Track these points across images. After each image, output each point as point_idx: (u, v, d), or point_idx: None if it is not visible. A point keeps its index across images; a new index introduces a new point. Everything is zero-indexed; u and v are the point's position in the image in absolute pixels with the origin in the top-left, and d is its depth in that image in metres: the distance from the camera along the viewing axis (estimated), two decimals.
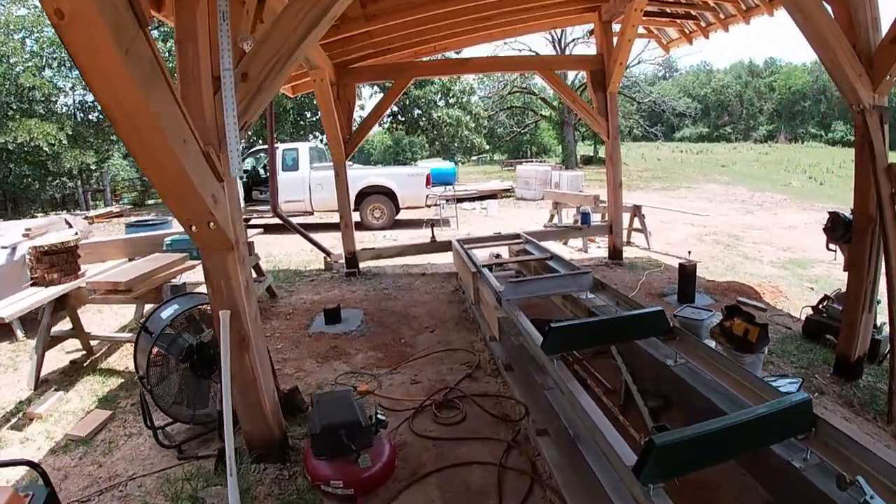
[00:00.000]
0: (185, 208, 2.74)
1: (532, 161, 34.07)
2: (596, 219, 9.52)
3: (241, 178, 14.29)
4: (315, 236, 12.21)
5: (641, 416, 3.50)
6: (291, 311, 6.85)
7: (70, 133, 21.78)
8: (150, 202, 26.25)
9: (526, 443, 3.59)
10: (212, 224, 2.80)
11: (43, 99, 21.07)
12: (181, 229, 7.87)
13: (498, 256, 8.30)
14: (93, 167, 24.18)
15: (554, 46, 36.19)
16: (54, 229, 7.81)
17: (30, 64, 21.23)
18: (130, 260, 6.21)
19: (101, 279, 4.85)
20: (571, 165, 29.15)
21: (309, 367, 5.12)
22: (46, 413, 4.53)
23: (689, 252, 7.58)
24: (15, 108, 20.78)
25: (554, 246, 9.14)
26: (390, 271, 8.73)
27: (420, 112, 24.89)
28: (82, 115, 23.92)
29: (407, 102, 24.59)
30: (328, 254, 9.05)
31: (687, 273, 6.50)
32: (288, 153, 14.17)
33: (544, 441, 3.40)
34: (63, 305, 5.26)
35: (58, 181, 24.21)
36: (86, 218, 17.26)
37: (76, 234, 8.16)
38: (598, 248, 9.98)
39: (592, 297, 5.04)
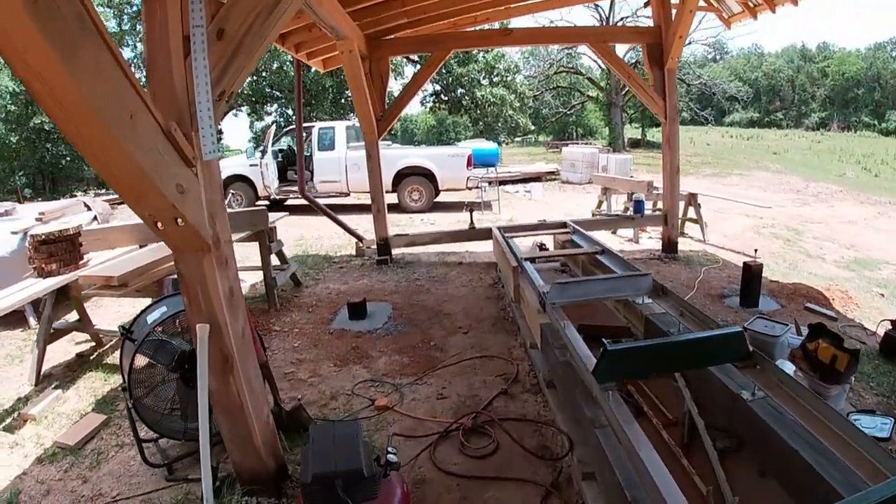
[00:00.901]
0: (140, 201, 2.18)
1: (578, 143, 33.04)
2: (648, 207, 8.77)
3: (277, 157, 13.99)
4: (351, 218, 11.77)
5: (708, 460, 2.85)
6: (315, 303, 6.33)
7: None
8: None
9: (568, 487, 2.96)
10: (179, 220, 2.23)
11: None
12: None
13: (542, 247, 7.63)
14: None
15: (601, 24, 34.88)
16: (71, 213, 7.47)
17: None
18: (142, 247, 5.77)
19: (94, 272, 4.37)
20: (619, 148, 28.03)
21: (325, 371, 4.58)
22: (41, 414, 4.19)
23: (756, 251, 6.81)
24: None
25: (603, 236, 8.44)
26: (425, 259, 8.14)
27: (463, 91, 24.10)
28: None
29: (450, 81, 23.85)
30: (360, 239, 8.51)
31: (752, 274, 5.80)
32: (324, 132, 13.67)
33: (590, 488, 2.77)
34: (66, 297, 4.86)
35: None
36: (108, 200, 17.26)
37: (94, 217, 7.82)
38: (650, 239, 9.23)
39: (650, 301, 4.38)
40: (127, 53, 26.91)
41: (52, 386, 4.61)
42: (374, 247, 7.97)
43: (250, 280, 7.22)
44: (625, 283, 4.42)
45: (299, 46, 7.13)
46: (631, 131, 40.41)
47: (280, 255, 6.67)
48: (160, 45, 2.21)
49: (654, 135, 40.10)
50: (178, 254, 2.51)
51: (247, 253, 6.74)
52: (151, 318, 3.36)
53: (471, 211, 8.02)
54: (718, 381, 3.17)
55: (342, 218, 12.24)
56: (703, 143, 37.67)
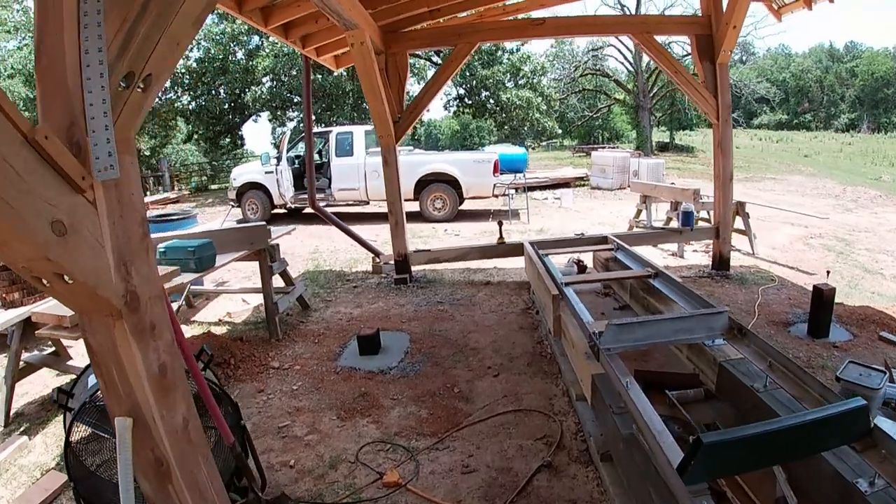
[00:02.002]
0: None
1: (605, 147, 32.02)
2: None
3: (293, 164, 13.33)
4: (370, 228, 11.06)
5: None
6: (323, 331, 5.55)
7: None
8: (214, 187, 25.83)
9: None
10: (67, 276, 1.44)
11: None
12: (206, 226, 6.71)
13: (580, 264, 6.79)
14: (146, 153, 23.79)
15: None
16: None
17: None
18: None
19: (46, 310, 3.62)
20: (647, 152, 26.99)
21: (327, 425, 3.77)
22: (1, 467, 3.57)
23: (828, 273, 5.93)
24: None
25: (644, 250, 7.57)
26: (448, 277, 7.32)
27: (488, 93, 23.22)
28: None
29: (474, 84, 23.02)
30: (377, 254, 7.73)
31: (824, 300, 4.94)
32: (342, 137, 12.96)
33: None
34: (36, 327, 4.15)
35: None
36: None
37: None
38: (695, 252, 8.35)
39: (722, 341, 3.52)
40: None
41: (21, 430, 3.99)
42: (392, 263, 7.16)
43: (254, 301, 6.50)
44: (697, 322, 3.54)
45: (306, 40, 6.37)
46: (658, 134, 39.24)
47: (284, 275, 5.91)
48: (52, 17, 1.42)
49: (682, 138, 39.34)
50: (81, 318, 1.72)
51: (253, 269, 6.02)
52: (94, 378, 2.61)
53: (500, 224, 7.18)
54: (826, 464, 2.33)
55: (361, 228, 11.52)
56: (733, 146, 36.48)
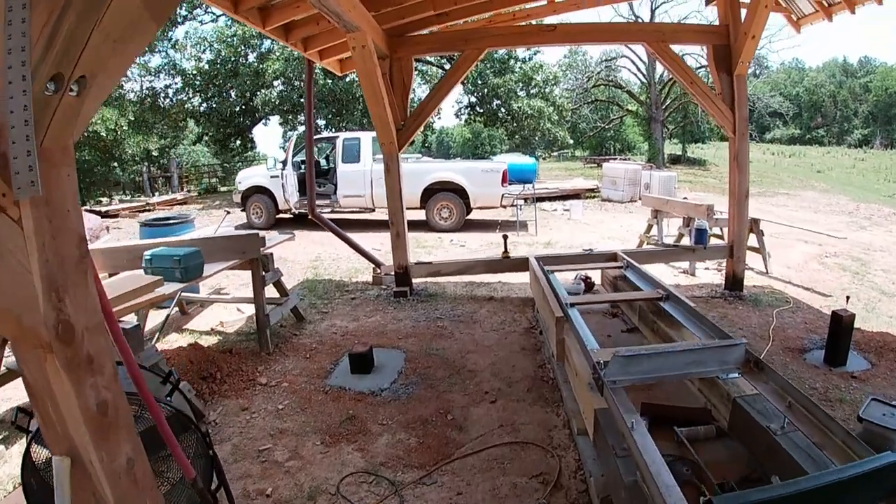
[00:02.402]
0: None
1: (616, 158, 31.73)
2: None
3: (299, 168, 13.17)
4: (375, 237, 10.84)
5: None
6: (315, 346, 5.30)
7: (133, 119, 21.24)
8: (223, 189, 25.75)
9: None
10: None
11: None
12: (197, 233, 6.50)
13: (587, 281, 6.53)
14: (154, 153, 23.70)
15: None
16: None
17: None
18: (112, 275, 4.82)
19: None
20: (659, 165, 26.69)
21: (310, 451, 3.53)
22: None
23: (848, 298, 5.65)
24: None
25: (657, 269, 7.33)
26: (450, 291, 7.07)
27: (499, 102, 22.97)
28: (150, 100, 23.45)
29: (485, 92, 22.79)
30: (377, 265, 7.49)
31: (843, 327, 4.65)
32: (349, 143, 12.76)
33: None
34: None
35: (118, 166, 23.96)
36: (129, 209, 16.61)
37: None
38: (707, 270, 8.07)
39: (736, 375, 3.26)
40: (157, 60, 26.71)
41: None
42: (392, 274, 6.92)
43: (249, 310, 6.27)
44: (711, 355, 3.26)
45: (308, 43, 6.16)
46: (669, 147, 38.93)
47: (278, 285, 5.68)
48: None
49: (694, 151, 39.13)
50: (12, 346, 1.50)
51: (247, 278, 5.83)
52: None
53: (505, 237, 6.92)
54: None
55: (366, 236, 11.34)
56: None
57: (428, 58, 22.34)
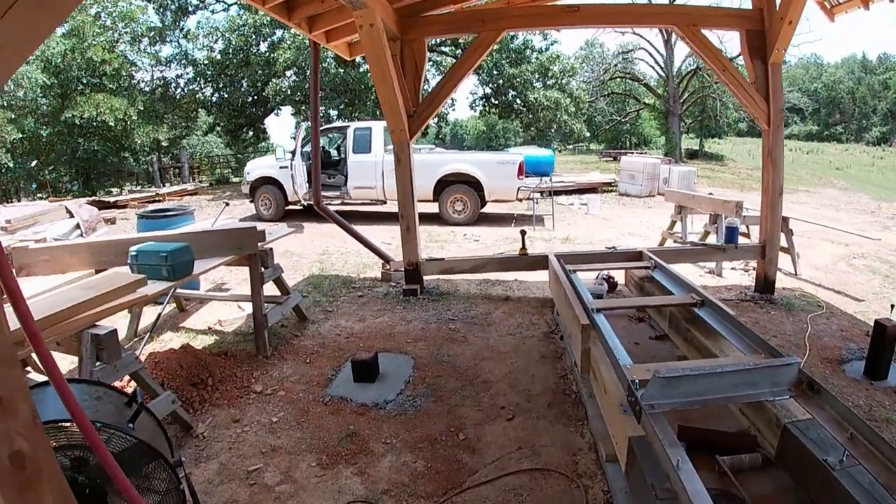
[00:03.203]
0: None
1: (633, 152, 31.19)
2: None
3: (307, 159, 12.80)
4: (386, 229, 10.43)
5: None
6: (317, 349, 4.91)
7: (142, 108, 20.98)
8: (236, 180, 25.49)
9: None
10: None
11: (114, 73, 20.25)
12: (193, 226, 6.13)
13: (610, 280, 6.10)
14: (164, 143, 23.48)
15: (660, 30, 32.90)
16: (47, 220, 6.30)
17: (101, 38, 20.43)
18: (98, 272, 4.45)
19: None
20: (676, 159, 26.10)
21: (303, 473, 3.13)
22: None
23: (893, 307, 5.20)
24: (85, 82, 20.13)
25: (682, 268, 6.89)
26: (463, 289, 6.65)
27: (515, 93, 22.42)
28: (162, 90, 23.18)
29: (501, 83, 22.25)
30: (386, 260, 7.09)
31: (886, 338, 4.25)
32: (360, 133, 12.35)
33: None
34: None
35: (130, 156, 23.80)
36: (140, 199, 16.26)
37: (77, 226, 6.65)
38: (733, 271, 7.63)
39: (786, 396, 2.82)
40: (168, 49, 26.42)
41: None
42: (402, 271, 6.51)
43: (249, 309, 5.88)
44: (761, 375, 2.83)
45: (313, 23, 5.74)
46: (686, 141, 38.32)
47: (279, 283, 5.29)
48: None
49: (711, 146, 38.61)
50: None
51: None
52: None
53: (523, 233, 6.48)
54: None
55: (376, 228, 10.94)
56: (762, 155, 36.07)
57: (443, 48, 21.90)
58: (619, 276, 6.24)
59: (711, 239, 7.84)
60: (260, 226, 4.90)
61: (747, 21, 5.89)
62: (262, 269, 4.83)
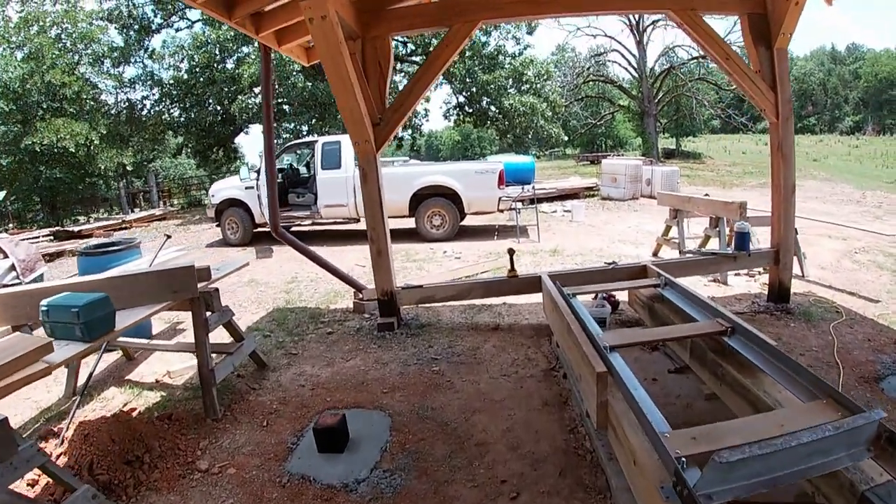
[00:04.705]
0: None
1: (610, 155, 30.79)
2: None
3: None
4: (360, 250, 9.68)
5: None
6: (276, 407, 4.11)
7: (105, 132, 20.00)
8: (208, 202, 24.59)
9: None
10: None
11: (74, 97, 19.27)
12: (121, 269, 5.32)
13: (611, 297, 5.42)
14: (129, 167, 22.49)
15: (632, 30, 32.70)
16: None
17: (61, 61, 19.44)
18: (16, 329, 3.64)
19: None
20: (655, 159, 25.71)
21: None
22: None
23: None
24: (45, 107, 19.13)
25: (686, 279, 6.24)
26: (446, 318, 5.88)
27: (489, 100, 21.75)
28: (127, 112, 22.21)
29: (475, 90, 21.58)
30: (359, 289, 6.31)
31: None
32: (328, 148, 11.56)
33: None
34: None
35: (94, 182, 22.81)
36: (61, 232, 15.23)
37: (11, 267, 5.81)
38: (737, 277, 7.02)
39: (865, 457, 2.20)
40: (133, 70, 25.47)
41: None
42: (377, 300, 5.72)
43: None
44: (837, 441, 2.13)
45: (260, 22, 4.96)
46: (661, 141, 38.23)
47: (230, 328, 4.50)
48: None
49: (687, 144, 38.80)
50: None
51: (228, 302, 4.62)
52: None
53: (511, 253, 5.72)
54: None
55: (350, 249, 10.18)
56: (739, 151, 38.13)
57: (414, 58, 21.20)
58: (621, 293, 5.55)
59: (713, 244, 7.21)
60: (206, 261, 4.13)
61: (749, 4, 5.30)
62: (206, 315, 4.05)
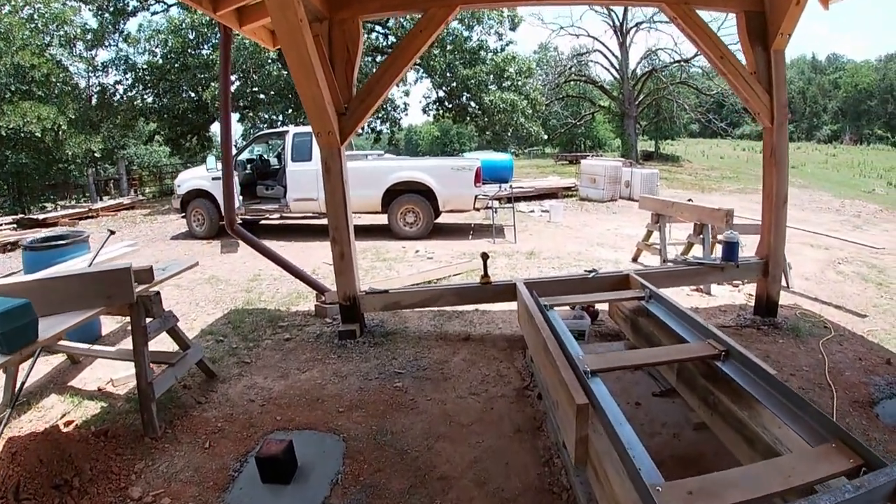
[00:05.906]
0: None
1: (589, 155, 30.63)
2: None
3: (244, 168, 11.78)
4: (328, 246, 9.19)
5: None
6: (221, 425, 3.70)
7: (73, 117, 19.21)
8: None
9: None
10: None
11: (43, 80, 18.45)
12: (92, 254, 4.88)
13: (590, 308, 5.09)
14: (97, 154, 21.70)
15: (615, 32, 32.67)
16: None
17: (31, 42, 18.60)
18: None
19: None
20: (634, 161, 25.60)
21: None
22: None
23: None
24: (13, 89, 18.28)
25: (668, 289, 5.95)
26: (413, 326, 5.49)
27: (469, 96, 21.39)
28: (99, 97, 21.42)
29: (455, 85, 21.20)
30: (321, 291, 5.89)
31: None
32: (299, 139, 11.09)
33: None
34: None
35: (65, 168, 21.97)
36: (26, 220, 14.56)
37: None
38: (721, 287, 6.72)
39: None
40: (105, 55, 24.76)
41: None
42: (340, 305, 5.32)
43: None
44: (858, 500, 1.84)
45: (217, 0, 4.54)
46: (640, 143, 38.27)
47: (174, 334, 4.08)
48: None
49: (666, 147, 39.07)
50: None
51: (192, 299, 4.15)
52: None
53: (484, 258, 5.33)
54: None
55: (319, 245, 9.71)
56: (717, 156, 38.38)
57: (389, 50, 20.72)
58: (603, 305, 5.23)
59: (697, 251, 6.94)
60: (169, 254, 3.73)
61: (745, 1, 5.00)
62: (146, 322, 3.63)
